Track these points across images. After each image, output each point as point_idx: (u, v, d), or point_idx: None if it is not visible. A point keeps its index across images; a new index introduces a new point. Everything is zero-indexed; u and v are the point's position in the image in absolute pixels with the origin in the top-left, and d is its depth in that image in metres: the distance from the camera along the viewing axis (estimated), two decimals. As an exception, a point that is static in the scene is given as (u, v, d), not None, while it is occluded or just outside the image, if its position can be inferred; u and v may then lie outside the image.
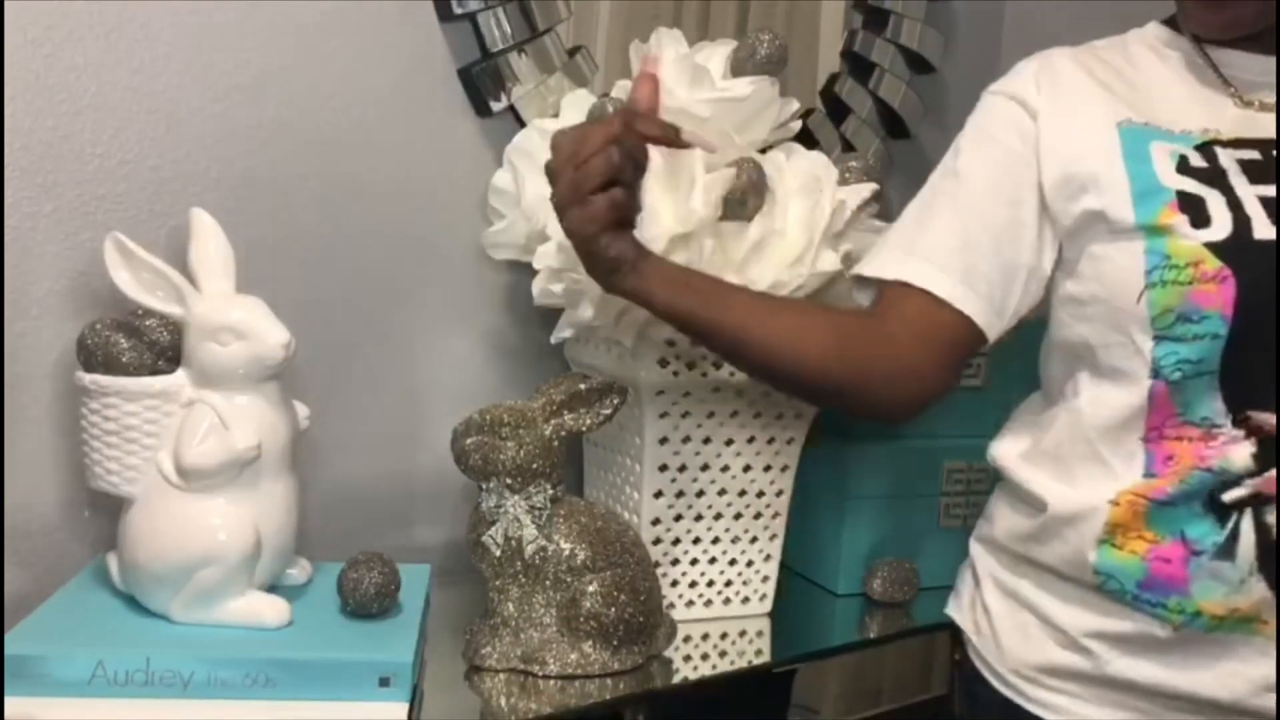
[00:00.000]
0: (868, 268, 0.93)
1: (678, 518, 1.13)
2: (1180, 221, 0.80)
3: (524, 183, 1.14)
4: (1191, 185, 0.82)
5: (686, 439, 1.11)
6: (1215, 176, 0.82)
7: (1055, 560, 0.87)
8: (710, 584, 1.16)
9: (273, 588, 0.95)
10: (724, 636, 1.12)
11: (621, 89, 1.12)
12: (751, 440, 1.13)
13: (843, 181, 1.10)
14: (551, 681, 0.94)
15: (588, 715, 0.91)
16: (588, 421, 0.98)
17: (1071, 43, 0.97)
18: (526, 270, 1.13)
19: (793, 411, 1.13)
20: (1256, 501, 0.79)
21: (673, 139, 0.84)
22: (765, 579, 1.18)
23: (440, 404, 1.19)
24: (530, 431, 0.96)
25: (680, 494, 1.12)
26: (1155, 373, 0.81)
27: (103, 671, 0.83)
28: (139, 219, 1.03)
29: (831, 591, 1.25)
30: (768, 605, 1.19)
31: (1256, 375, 0.79)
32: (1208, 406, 0.80)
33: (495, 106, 1.19)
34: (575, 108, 1.18)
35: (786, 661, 1.09)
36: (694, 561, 1.14)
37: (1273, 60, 0.87)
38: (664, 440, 1.10)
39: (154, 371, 0.93)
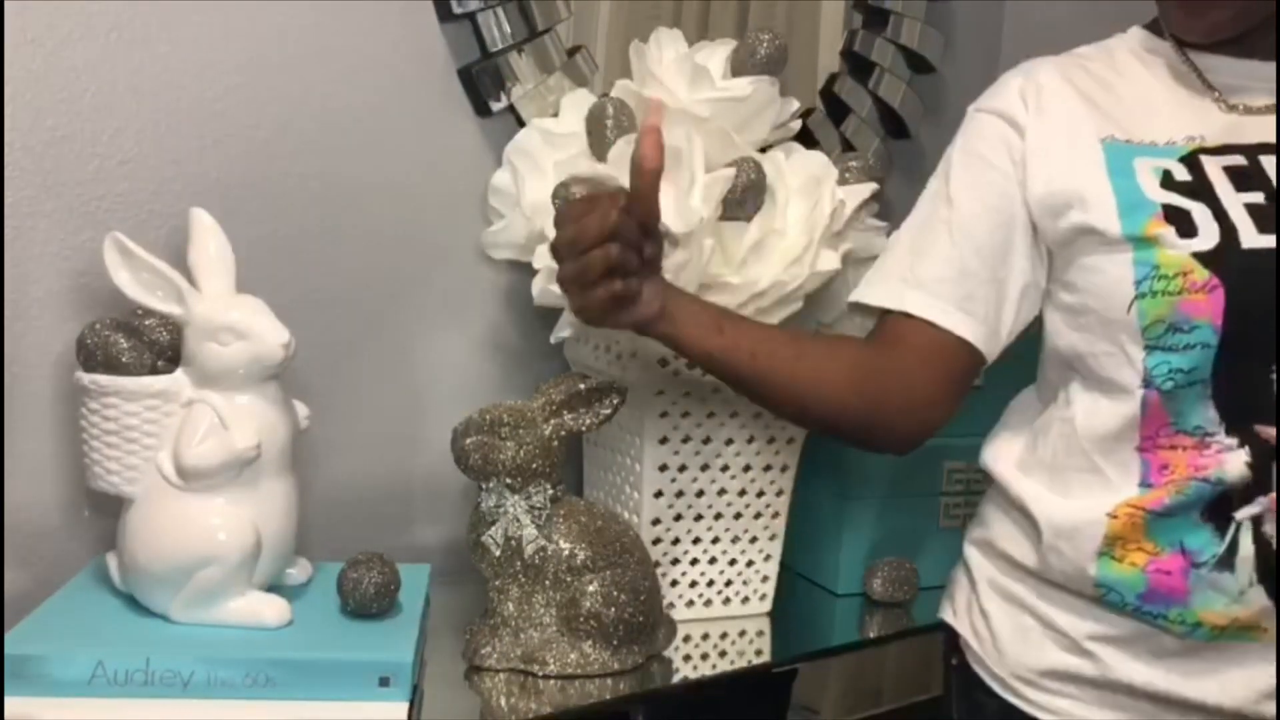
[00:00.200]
0: (868, 296, 0.93)
1: (678, 518, 1.13)
2: (1167, 232, 0.81)
3: (524, 183, 1.14)
4: (1176, 199, 0.82)
5: (686, 439, 1.11)
6: (1200, 189, 0.82)
7: (1054, 572, 0.87)
8: (710, 584, 1.16)
9: (273, 588, 0.95)
10: (724, 636, 1.12)
11: (622, 89, 1.12)
12: (751, 440, 1.13)
13: (843, 181, 1.10)
14: (551, 681, 0.94)
15: (588, 715, 0.91)
16: (588, 421, 0.98)
17: (1071, 43, 0.97)
18: (526, 270, 1.13)
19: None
20: (1265, 516, 0.79)
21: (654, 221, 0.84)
22: (765, 579, 1.18)
23: (440, 404, 1.19)
24: (530, 431, 0.96)
25: (680, 494, 1.12)
26: (1147, 382, 0.82)
27: (103, 671, 0.83)
28: (139, 219, 1.03)
29: (831, 591, 1.25)
30: (768, 605, 1.19)
31: (1248, 384, 0.79)
32: (1200, 415, 0.81)
33: (495, 106, 1.19)
34: (575, 108, 1.17)
35: (786, 661, 1.09)
36: (694, 561, 1.14)
37: (1256, 64, 0.87)
38: (664, 440, 1.10)
39: (154, 371, 0.93)
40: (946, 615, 0.99)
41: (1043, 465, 0.90)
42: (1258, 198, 0.81)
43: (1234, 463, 0.79)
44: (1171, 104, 0.88)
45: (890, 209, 1.18)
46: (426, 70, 1.18)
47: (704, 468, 1.12)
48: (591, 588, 0.95)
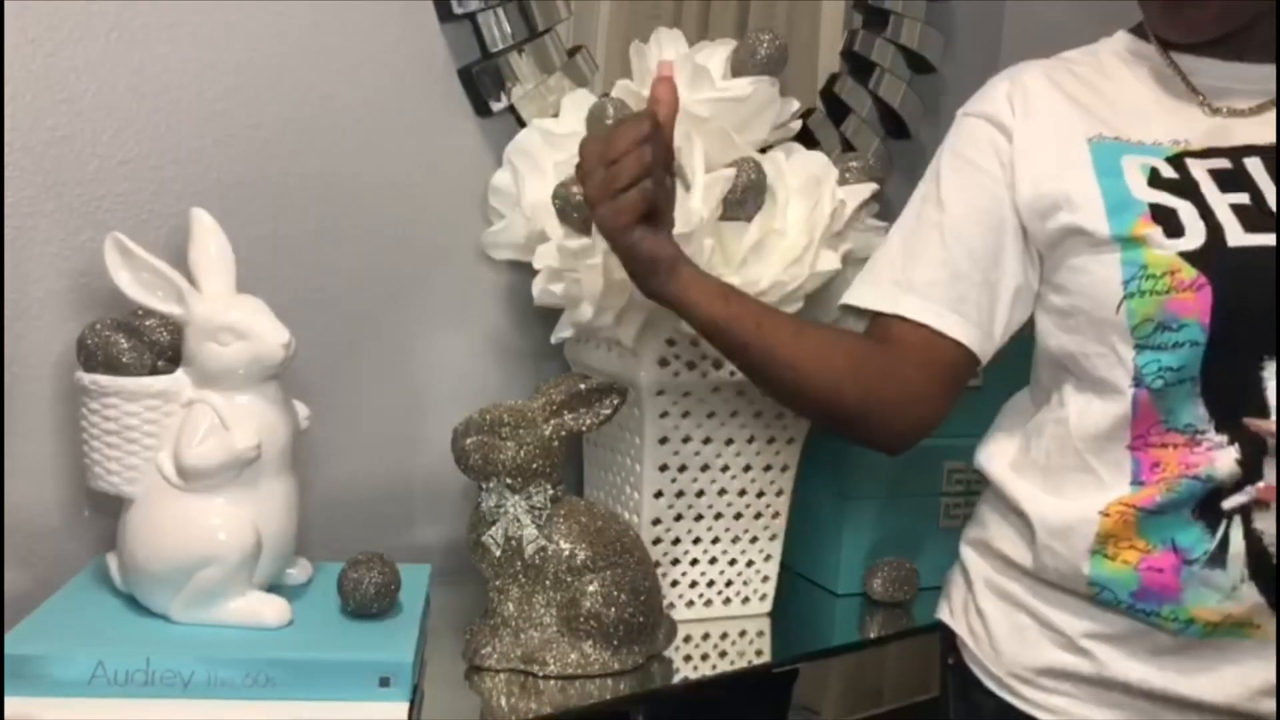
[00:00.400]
0: (861, 299, 0.94)
1: (678, 518, 1.13)
2: (1155, 232, 0.81)
3: (524, 183, 1.14)
4: (1163, 198, 0.83)
5: (686, 439, 1.11)
6: (1187, 188, 0.83)
7: (1049, 572, 0.87)
8: (710, 584, 1.16)
9: (273, 588, 0.95)
10: (724, 636, 1.12)
11: (622, 89, 1.12)
12: (751, 440, 1.13)
13: (843, 181, 1.10)
14: (551, 681, 0.94)
15: (588, 715, 0.91)
16: (588, 421, 0.98)
17: (1071, 43, 0.97)
18: (526, 270, 1.13)
19: (792, 413, 1.13)
20: (1255, 508, 0.80)
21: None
22: (765, 579, 1.18)
23: (440, 404, 1.19)
24: (530, 431, 0.96)
25: (680, 494, 1.12)
26: (1138, 381, 0.82)
27: (103, 671, 0.83)
28: (139, 219, 1.03)
29: (831, 591, 1.25)
30: (768, 605, 1.19)
31: (1236, 381, 0.80)
32: (1190, 413, 0.81)
33: (495, 106, 1.19)
34: (575, 108, 1.17)
35: (787, 662, 1.09)
36: (694, 561, 1.14)
37: (1240, 66, 0.87)
38: (664, 440, 1.10)
39: (154, 371, 0.93)
40: (943, 615, 1.00)
41: (1036, 466, 0.90)
42: (1243, 198, 0.82)
43: (1224, 460, 0.80)
44: (1157, 107, 0.89)
45: (890, 209, 1.17)
46: (426, 70, 1.18)
47: (704, 468, 1.12)
48: (591, 588, 0.95)
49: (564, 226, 1.05)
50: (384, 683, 0.85)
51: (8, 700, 0.81)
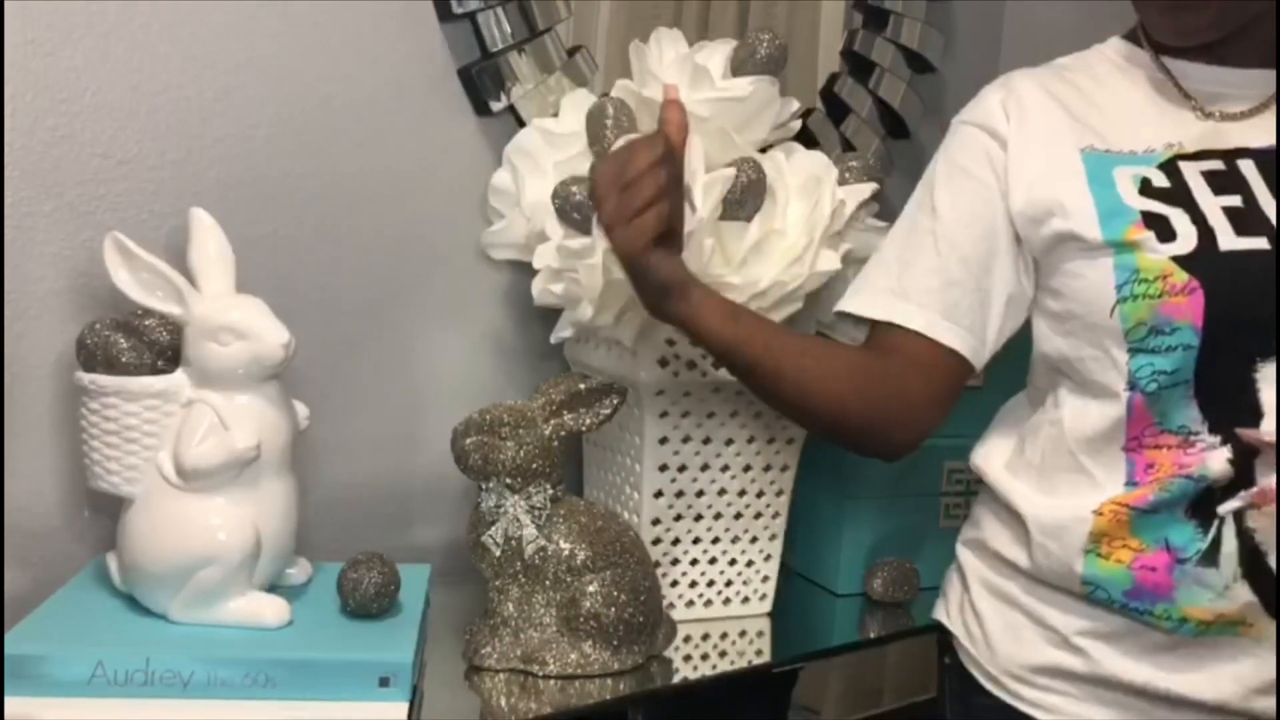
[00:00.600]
0: (857, 306, 0.94)
1: (678, 518, 1.13)
2: (1147, 237, 0.82)
3: (524, 183, 1.14)
4: (1155, 206, 0.84)
5: (686, 439, 1.11)
6: (1178, 194, 0.84)
7: (1043, 571, 0.88)
8: (710, 584, 1.16)
9: (273, 588, 0.95)
10: (724, 636, 1.12)
11: (622, 89, 1.12)
12: (751, 440, 1.13)
13: (843, 181, 1.10)
14: (551, 681, 0.94)
15: (588, 715, 0.91)
16: (588, 421, 0.98)
17: (1071, 42, 0.97)
18: (526, 270, 1.13)
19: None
20: (1250, 510, 0.80)
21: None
22: (765, 579, 1.18)
23: (440, 404, 1.19)
24: (530, 431, 0.96)
25: (680, 494, 1.12)
26: (1132, 384, 0.83)
27: (103, 671, 0.83)
28: (139, 219, 1.03)
29: (831, 591, 1.25)
30: (768, 605, 1.19)
31: (1229, 383, 0.81)
32: (1184, 415, 0.82)
33: (495, 106, 1.19)
34: (575, 108, 1.17)
35: (787, 662, 1.09)
36: (694, 561, 1.14)
37: (1231, 71, 0.88)
38: (664, 440, 1.10)
39: (154, 371, 0.93)
40: (940, 615, 1.00)
41: (1031, 466, 0.91)
42: (1235, 200, 0.83)
43: (1216, 459, 0.81)
44: (1150, 112, 0.89)
45: (890, 209, 1.17)
46: (426, 70, 1.17)
47: (704, 468, 1.12)
48: (591, 588, 0.95)
49: (564, 226, 1.05)
50: (384, 683, 0.85)
51: (8, 700, 0.81)
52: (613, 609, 0.95)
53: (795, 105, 1.15)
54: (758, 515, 1.16)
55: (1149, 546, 0.83)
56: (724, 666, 1.05)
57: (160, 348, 0.96)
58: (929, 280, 0.91)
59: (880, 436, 0.94)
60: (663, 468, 1.11)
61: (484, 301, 1.24)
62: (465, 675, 0.96)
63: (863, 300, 0.94)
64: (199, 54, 1.05)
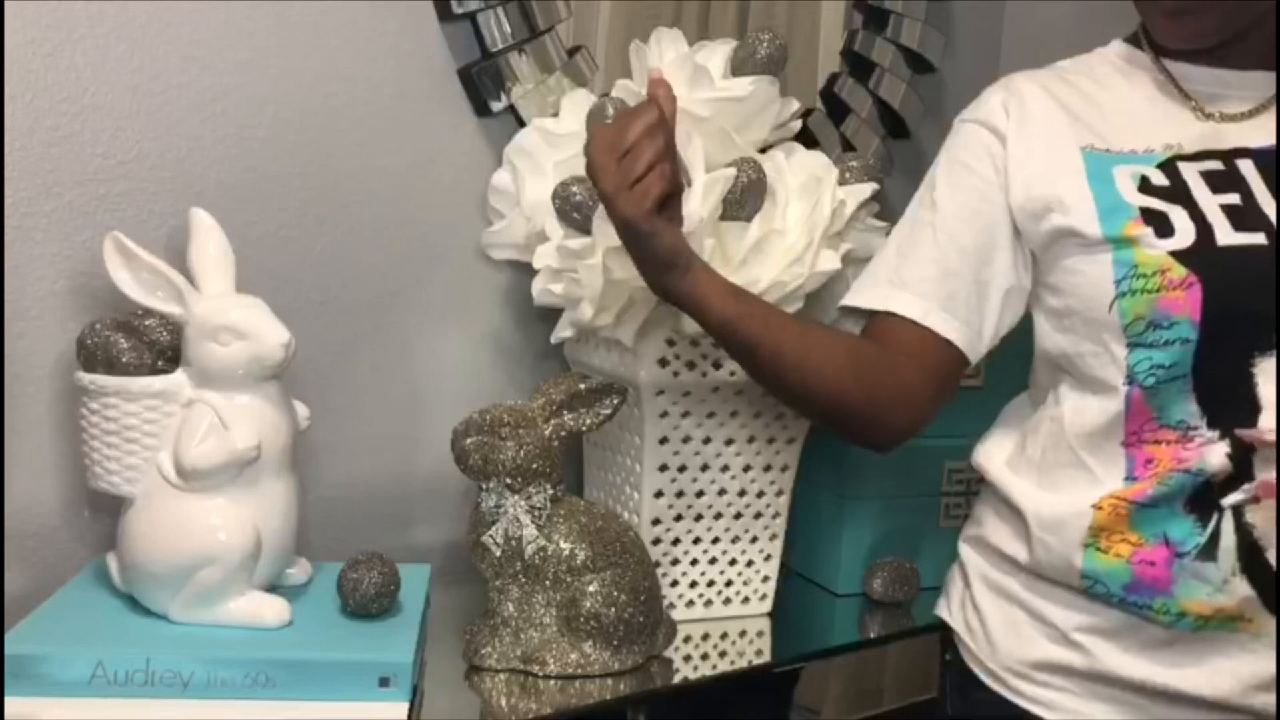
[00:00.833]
0: (857, 299, 0.95)
1: (678, 518, 1.13)
2: (1145, 233, 0.83)
3: (524, 183, 1.14)
4: (1154, 203, 0.84)
5: (686, 439, 1.11)
6: (1177, 192, 0.85)
7: (1043, 566, 0.88)
8: (710, 584, 1.16)
9: (273, 588, 0.95)
10: (724, 636, 1.12)
11: (622, 89, 1.12)
12: (751, 440, 1.13)
13: (843, 181, 1.10)
14: (551, 681, 0.94)
15: (588, 715, 0.91)
16: (588, 421, 0.98)
17: (1071, 42, 0.98)
18: (526, 270, 1.13)
19: (793, 412, 1.13)
20: (1252, 504, 0.81)
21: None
22: (765, 579, 1.18)
23: (440, 404, 1.19)
24: (530, 431, 0.96)
25: (680, 494, 1.12)
26: (1131, 379, 0.84)
27: (103, 671, 0.83)
28: (139, 219, 1.03)
29: (831, 591, 1.25)
30: (768, 605, 1.19)
31: (1227, 377, 0.81)
32: (1182, 410, 0.83)
33: (495, 106, 1.19)
34: (575, 108, 1.17)
35: (787, 662, 1.09)
36: (694, 561, 1.14)
37: (1230, 73, 0.89)
38: (664, 440, 1.10)
39: (154, 371, 0.93)
40: (942, 612, 1.01)
41: (1031, 463, 0.92)
42: (1233, 198, 0.84)
43: (1215, 454, 0.81)
44: (1150, 114, 0.90)
45: (890, 209, 1.17)
46: (426, 70, 1.18)
47: (704, 468, 1.12)
48: (591, 588, 0.95)
49: (564, 226, 1.05)
50: (384, 683, 0.85)
51: (8, 700, 0.81)
52: (613, 609, 0.95)
53: (795, 105, 1.15)
54: (758, 515, 1.16)
55: (1148, 541, 0.83)
56: (724, 667, 1.05)
57: (160, 348, 0.96)
58: (927, 270, 0.91)
59: (877, 423, 0.93)
60: (663, 468, 1.11)
61: (484, 301, 1.24)
62: (465, 675, 0.96)
63: (863, 294, 0.95)
64: (199, 54, 1.05)
